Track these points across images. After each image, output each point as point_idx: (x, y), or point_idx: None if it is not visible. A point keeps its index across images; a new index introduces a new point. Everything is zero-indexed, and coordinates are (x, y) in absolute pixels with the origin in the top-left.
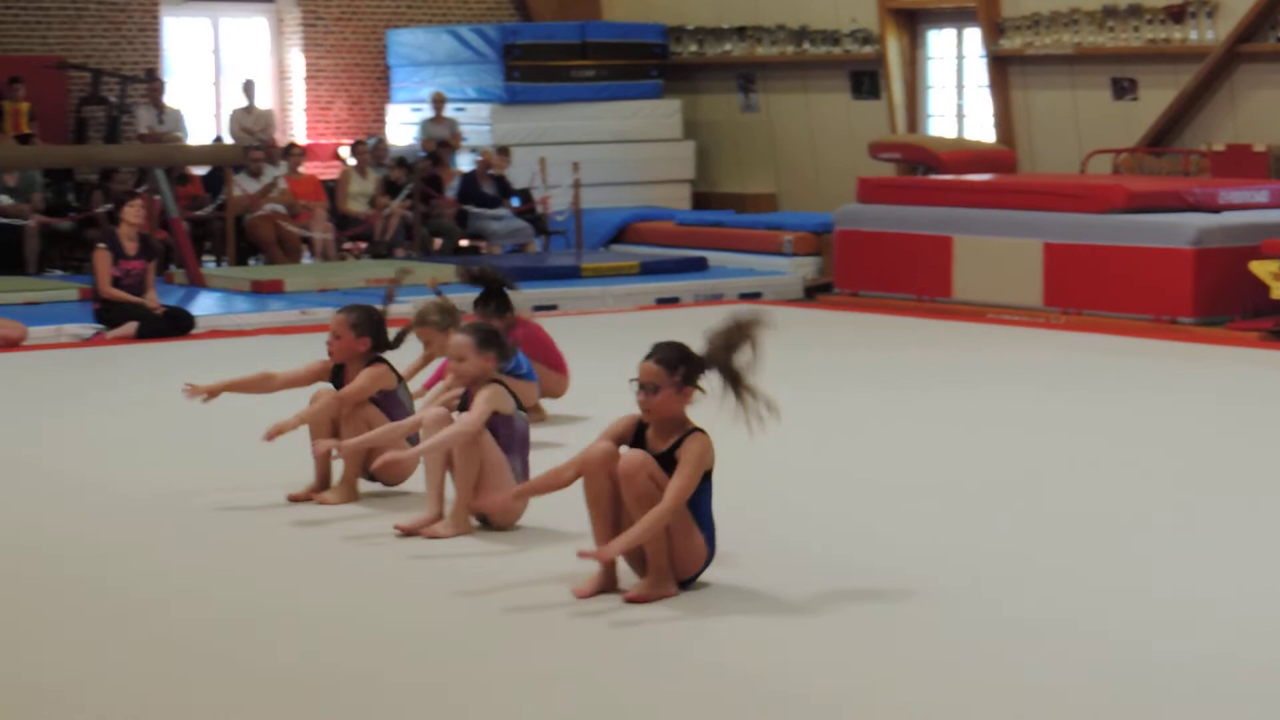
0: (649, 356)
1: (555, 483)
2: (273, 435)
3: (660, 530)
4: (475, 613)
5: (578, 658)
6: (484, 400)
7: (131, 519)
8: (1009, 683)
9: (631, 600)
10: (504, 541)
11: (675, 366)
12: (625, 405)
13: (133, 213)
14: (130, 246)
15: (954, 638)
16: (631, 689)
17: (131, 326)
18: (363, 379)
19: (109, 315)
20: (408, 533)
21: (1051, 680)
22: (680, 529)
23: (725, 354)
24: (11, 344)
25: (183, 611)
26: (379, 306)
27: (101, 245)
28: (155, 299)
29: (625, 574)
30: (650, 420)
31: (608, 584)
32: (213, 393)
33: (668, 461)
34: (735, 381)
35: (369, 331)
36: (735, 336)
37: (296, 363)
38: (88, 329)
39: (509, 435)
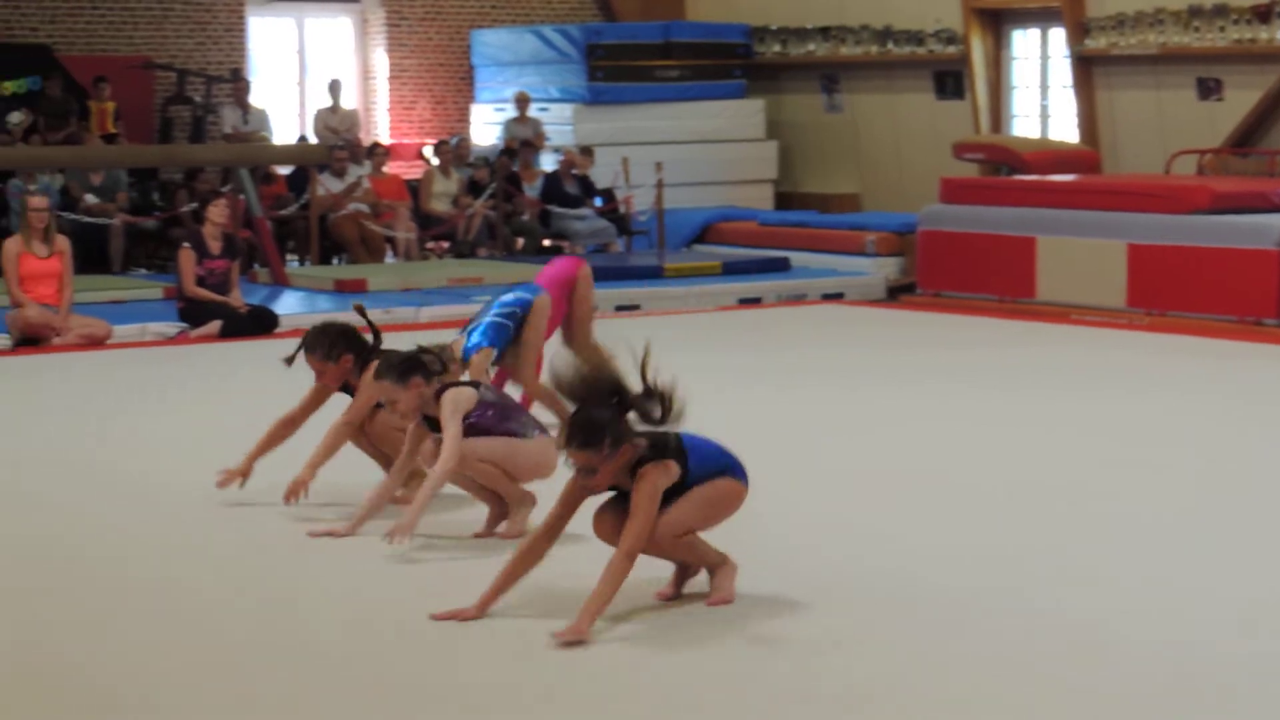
0: (570, 441)
1: (531, 561)
2: (293, 496)
3: (622, 580)
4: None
5: (601, 664)
6: (449, 418)
7: (194, 519)
8: (1059, 685)
9: (716, 604)
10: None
11: (600, 441)
12: (697, 408)
13: (217, 212)
14: (214, 245)
15: (1004, 639)
16: (672, 695)
17: (215, 325)
18: (361, 393)
19: (193, 314)
20: (484, 537)
21: (1102, 682)
22: (705, 504)
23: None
24: (97, 342)
25: (241, 612)
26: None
27: (186, 244)
28: (239, 298)
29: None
30: (605, 489)
31: (686, 575)
32: (245, 473)
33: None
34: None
35: (344, 348)
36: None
37: None
38: (172, 327)
39: (491, 416)
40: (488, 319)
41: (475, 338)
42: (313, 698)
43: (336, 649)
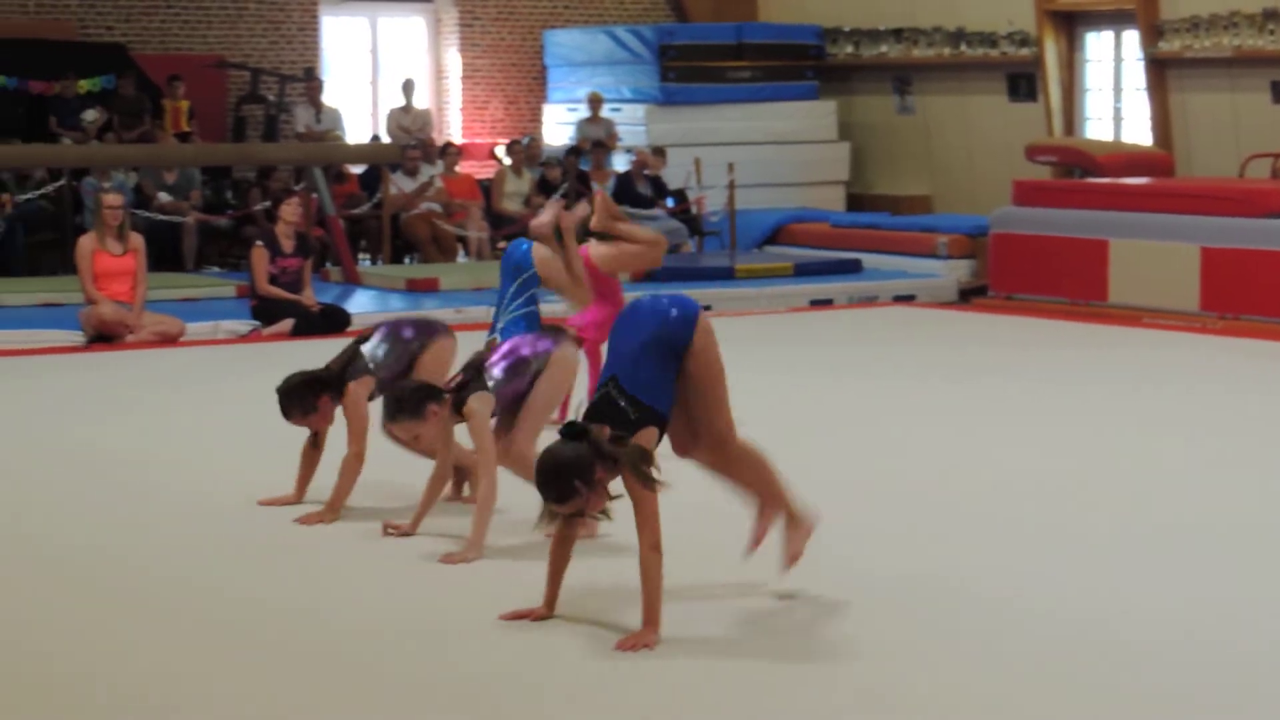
0: (548, 501)
1: (566, 560)
2: (307, 523)
3: (660, 572)
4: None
5: (606, 666)
6: (479, 434)
7: (244, 520)
8: (1133, 692)
9: (793, 561)
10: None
11: (574, 493)
12: (766, 412)
13: (290, 211)
14: (287, 244)
15: (1070, 648)
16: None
17: (287, 324)
18: (353, 415)
19: (265, 312)
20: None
21: (1116, 684)
22: (706, 392)
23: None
24: (170, 340)
25: (280, 612)
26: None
27: (259, 243)
28: (311, 296)
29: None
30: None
31: (765, 524)
32: (296, 501)
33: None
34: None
35: (315, 394)
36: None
37: None
38: (244, 325)
39: (514, 384)
40: (513, 315)
41: (510, 335)
42: (343, 698)
43: (379, 649)
